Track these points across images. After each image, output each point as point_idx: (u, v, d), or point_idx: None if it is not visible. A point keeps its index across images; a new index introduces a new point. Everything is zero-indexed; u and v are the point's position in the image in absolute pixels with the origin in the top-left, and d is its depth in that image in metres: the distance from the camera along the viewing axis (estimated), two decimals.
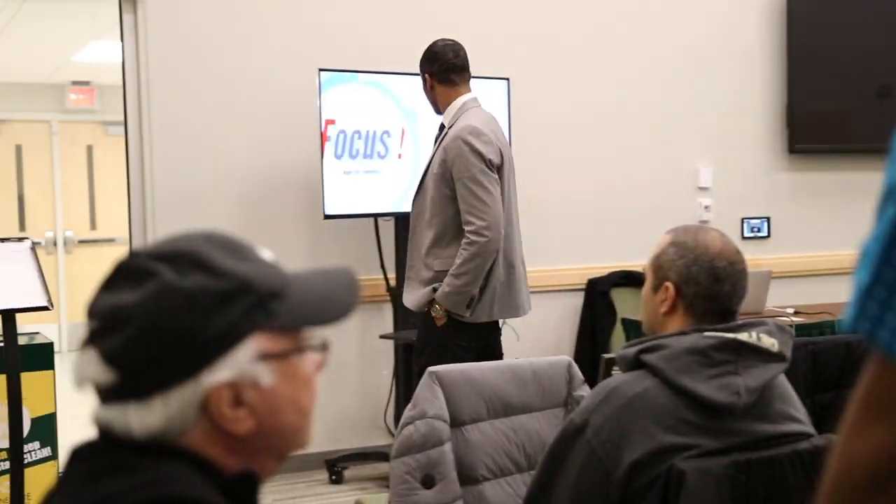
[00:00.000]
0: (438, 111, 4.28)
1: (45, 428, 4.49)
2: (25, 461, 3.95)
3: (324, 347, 1.19)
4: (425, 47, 4.27)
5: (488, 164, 4.01)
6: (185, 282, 1.07)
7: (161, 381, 1.06)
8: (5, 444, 4.18)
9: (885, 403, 0.83)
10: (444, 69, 4.20)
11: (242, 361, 1.08)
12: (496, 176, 4.05)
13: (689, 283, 2.08)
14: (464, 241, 3.97)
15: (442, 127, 4.22)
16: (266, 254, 1.18)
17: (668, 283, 2.10)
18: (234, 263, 1.11)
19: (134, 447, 1.07)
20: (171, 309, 1.06)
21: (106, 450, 1.08)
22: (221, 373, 1.07)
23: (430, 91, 4.26)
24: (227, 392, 1.08)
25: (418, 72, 4.29)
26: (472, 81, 4.28)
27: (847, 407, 0.87)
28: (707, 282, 2.07)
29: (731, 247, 2.11)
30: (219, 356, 1.07)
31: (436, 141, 4.24)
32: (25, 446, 4.03)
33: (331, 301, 1.18)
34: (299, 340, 1.15)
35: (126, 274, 1.10)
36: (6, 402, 3.90)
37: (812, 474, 1.98)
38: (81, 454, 1.10)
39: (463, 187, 4.00)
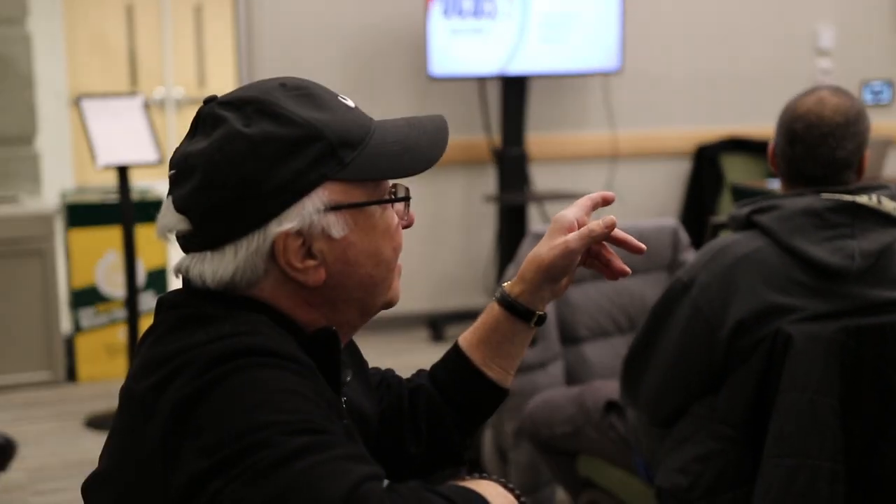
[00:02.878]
0: None
1: (158, 280, 4.64)
2: (140, 311, 4.10)
3: (405, 199, 1.15)
4: None
5: None
6: (250, 129, 1.06)
7: (229, 229, 1.06)
8: (122, 294, 4.34)
9: None
10: None
11: (310, 211, 1.06)
12: None
13: (776, 143, 2.04)
14: None
15: None
16: (348, 102, 1.14)
17: (772, 144, 2.06)
18: (305, 111, 1.08)
19: (218, 299, 1.07)
20: (234, 156, 1.05)
21: (190, 300, 1.09)
22: (288, 223, 1.06)
23: None
24: (295, 242, 1.06)
25: None
26: None
27: None
28: (782, 143, 2.01)
29: (827, 107, 1.97)
30: (285, 205, 1.06)
31: None
32: (140, 297, 4.17)
33: (411, 150, 1.14)
34: (377, 191, 1.12)
35: (202, 122, 1.10)
36: (122, 254, 4.03)
37: None
38: (167, 303, 1.11)
39: None
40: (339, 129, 1.09)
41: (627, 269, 1.29)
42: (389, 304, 1.18)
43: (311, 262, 1.08)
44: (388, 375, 1.37)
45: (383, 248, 1.13)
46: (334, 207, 1.08)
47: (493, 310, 1.29)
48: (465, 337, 1.31)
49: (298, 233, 1.07)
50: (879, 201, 1.94)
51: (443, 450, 1.33)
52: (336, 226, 1.08)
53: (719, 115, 5.43)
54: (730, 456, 1.97)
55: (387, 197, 1.13)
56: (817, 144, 1.98)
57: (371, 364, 1.35)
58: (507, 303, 1.27)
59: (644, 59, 5.28)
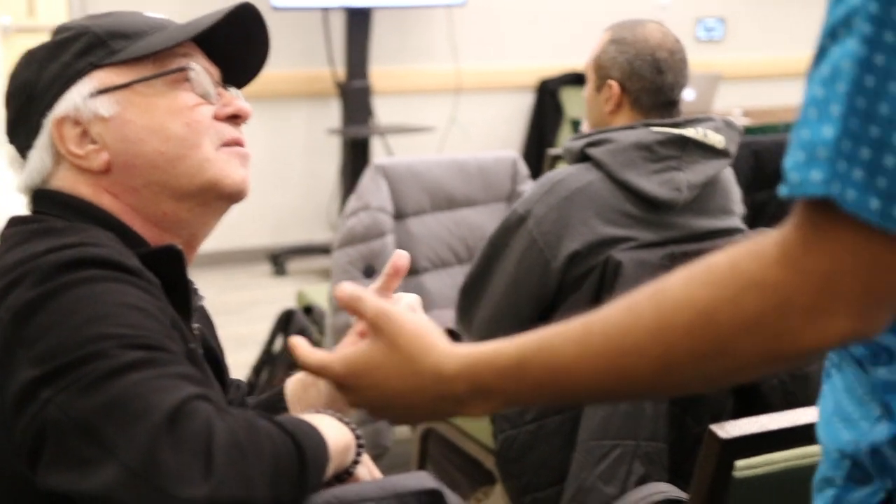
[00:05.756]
0: None
1: None
2: None
3: (175, 71, 1.16)
4: None
5: None
6: (36, 47, 1.16)
7: (26, 136, 1.15)
8: None
9: (859, 281, 0.74)
10: None
11: (77, 98, 1.13)
12: None
13: (633, 78, 2.06)
14: None
15: None
16: (157, 16, 1.20)
17: (612, 81, 2.07)
18: (89, 22, 1.17)
19: (65, 214, 1.11)
20: (17, 70, 1.17)
21: (38, 216, 1.13)
22: (60, 112, 1.13)
23: None
24: (73, 130, 1.13)
25: None
26: None
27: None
28: (651, 75, 2.05)
29: (671, 37, 2.09)
30: (56, 97, 1.13)
31: None
32: None
33: (188, 26, 1.18)
34: (150, 70, 1.15)
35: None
36: None
37: None
38: (15, 220, 1.13)
39: None
40: (113, 24, 1.16)
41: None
42: (217, 188, 1.16)
43: (91, 147, 1.13)
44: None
45: (169, 125, 1.14)
46: (103, 91, 1.13)
47: None
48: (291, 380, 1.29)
49: (76, 121, 1.13)
50: (705, 134, 2.01)
51: None
52: (105, 106, 1.13)
53: (560, 51, 5.51)
54: None
55: (158, 73, 1.15)
56: (681, 68, 2.07)
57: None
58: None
59: None
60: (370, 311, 0.93)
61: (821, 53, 0.76)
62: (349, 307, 0.96)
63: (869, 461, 0.86)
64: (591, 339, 0.82)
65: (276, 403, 1.28)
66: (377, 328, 0.93)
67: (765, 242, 0.76)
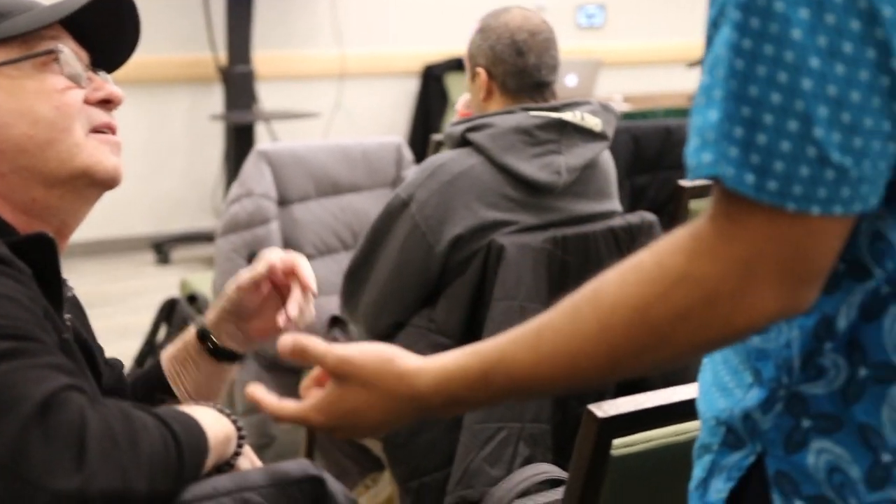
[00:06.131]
0: None
1: None
2: None
3: (50, 53, 1.14)
4: None
5: None
6: None
7: None
8: None
9: (752, 252, 0.78)
10: None
11: None
12: None
13: (497, 62, 2.08)
14: None
15: None
16: None
17: (479, 69, 2.10)
18: None
19: None
20: None
21: None
22: None
23: None
24: None
25: None
26: None
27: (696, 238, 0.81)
28: (512, 57, 2.07)
29: (534, 19, 2.10)
30: None
31: None
32: None
33: (56, 7, 1.14)
34: (17, 52, 1.12)
35: None
36: None
37: (624, 249, 2.07)
38: None
39: None
40: None
41: (290, 319, 1.22)
42: (89, 174, 1.14)
43: None
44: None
45: (38, 108, 1.11)
46: None
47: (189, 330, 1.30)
48: (168, 349, 1.32)
49: None
50: (583, 117, 2.04)
51: None
52: None
53: (445, 36, 5.52)
54: None
55: (20, 57, 1.12)
56: (545, 49, 2.07)
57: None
58: (198, 327, 1.29)
59: None
60: (330, 362, 0.96)
61: (707, 43, 0.80)
62: (299, 359, 0.98)
63: (741, 426, 0.90)
64: (543, 347, 0.87)
65: (155, 380, 1.28)
66: (343, 375, 0.96)
67: (685, 235, 0.80)
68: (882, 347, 0.84)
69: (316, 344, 0.97)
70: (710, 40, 0.80)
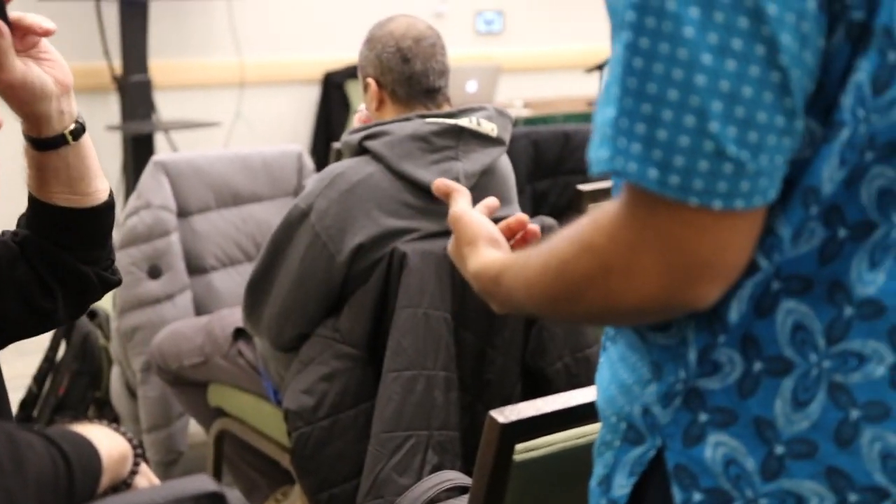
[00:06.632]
0: None
1: None
2: None
3: None
4: None
5: None
6: None
7: None
8: None
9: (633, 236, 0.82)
10: None
11: None
12: None
13: (384, 71, 2.08)
14: None
15: None
16: None
17: (369, 79, 2.11)
18: None
19: None
20: None
21: None
22: None
23: None
24: None
25: None
26: None
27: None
28: (398, 65, 2.07)
29: (419, 25, 2.11)
30: None
31: None
32: None
33: None
34: None
35: None
36: None
37: None
38: None
39: None
40: None
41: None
42: None
43: None
44: None
45: None
46: None
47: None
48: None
49: None
50: (479, 123, 2.05)
51: (79, 288, 1.31)
52: None
53: (345, 42, 5.50)
54: (353, 374, 2.04)
55: None
56: (431, 55, 2.07)
57: None
58: (27, 138, 1.26)
59: None
60: (453, 213, 1.18)
61: (612, 46, 0.83)
62: (444, 197, 1.24)
63: (641, 421, 0.92)
64: (522, 271, 0.97)
65: (38, 216, 1.26)
66: (457, 222, 1.17)
67: (605, 211, 0.85)
68: (775, 342, 0.86)
69: (458, 195, 1.22)
70: (612, 43, 0.83)
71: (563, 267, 0.88)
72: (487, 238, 1.12)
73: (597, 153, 0.82)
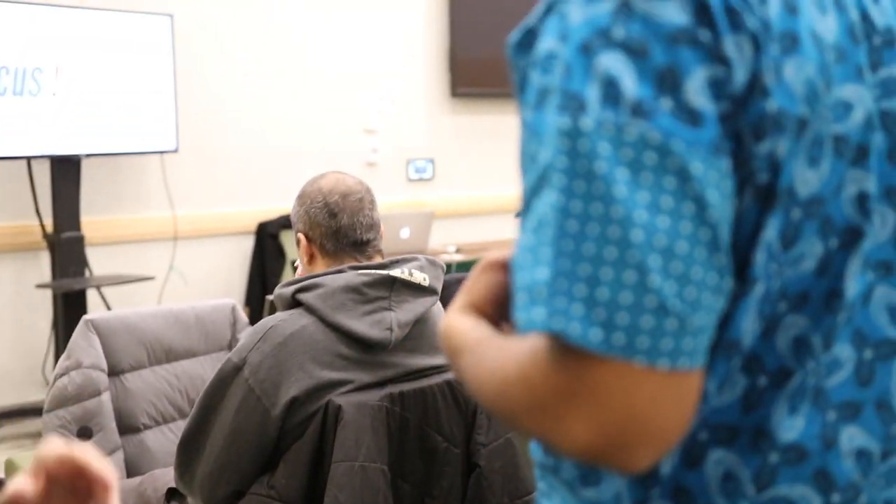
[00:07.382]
0: None
1: None
2: None
3: None
4: None
5: None
6: None
7: None
8: None
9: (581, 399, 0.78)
10: None
11: None
12: None
13: (313, 226, 2.13)
14: None
15: None
16: None
17: (300, 234, 2.15)
18: None
19: None
20: None
21: None
22: None
23: None
24: None
25: (72, 3, 4.02)
26: (128, 17, 4.06)
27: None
28: (326, 220, 2.12)
29: (348, 181, 2.17)
30: None
31: None
32: None
33: None
34: None
35: None
36: None
37: (461, 401, 2.08)
38: None
39: None
40: None
41: None
42: None
43: None
44: None
45: None
46: None
47: None
48: None
49: None
50: (411, 273, 2.08)
51: None
52: None
53: (278, 193, 5.56)
54: None
55: None
56: (358, 209, 2.12)
57: None
58: None
59: (201, 138, 5.30)
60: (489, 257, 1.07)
61: (526, 208, 0.82)
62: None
63: None
64: (472, 361, 0.94)
65: None
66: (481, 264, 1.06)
67: (540, 344, 0.81)
68: (706, 492, 0.86)
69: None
70: (528, 205, 0.82)
71: (503, 388, 0.84)
72: (477, 302, 1.03)
73: (528, 313, 0.79)
